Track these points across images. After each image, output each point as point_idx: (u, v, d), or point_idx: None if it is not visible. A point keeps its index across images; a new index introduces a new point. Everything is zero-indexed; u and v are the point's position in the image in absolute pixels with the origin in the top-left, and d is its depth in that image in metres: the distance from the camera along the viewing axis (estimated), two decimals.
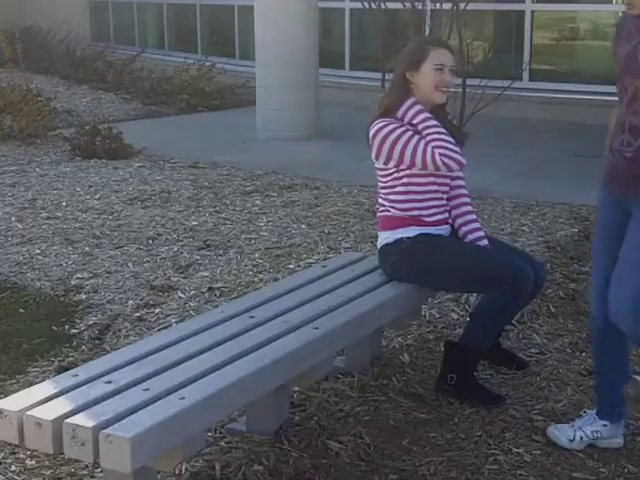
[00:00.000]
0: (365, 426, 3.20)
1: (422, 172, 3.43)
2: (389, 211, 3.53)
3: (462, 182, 3.65)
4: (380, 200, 3.59)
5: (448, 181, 3.54)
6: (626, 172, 2.68)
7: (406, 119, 3.45)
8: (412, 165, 3.41)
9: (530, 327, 4.11)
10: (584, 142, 8.87)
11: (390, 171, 3.47)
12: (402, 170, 3.45)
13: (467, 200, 3.64)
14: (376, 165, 3.53)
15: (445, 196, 3.55)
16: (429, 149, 3.37)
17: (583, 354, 3.83)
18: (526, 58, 10.45)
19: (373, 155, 3.50)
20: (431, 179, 3.47)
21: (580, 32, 11.19)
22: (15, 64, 10.10)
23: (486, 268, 3.37)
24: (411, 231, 3.49)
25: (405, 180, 3.46)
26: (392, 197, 3.50)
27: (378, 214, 3.63)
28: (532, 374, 3.65)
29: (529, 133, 9.13)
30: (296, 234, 5.57)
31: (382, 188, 3.56)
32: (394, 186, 3.48)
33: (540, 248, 5.22)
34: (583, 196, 6.49)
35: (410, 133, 3.41)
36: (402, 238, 3.49)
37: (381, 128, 3.43)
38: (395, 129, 3.42)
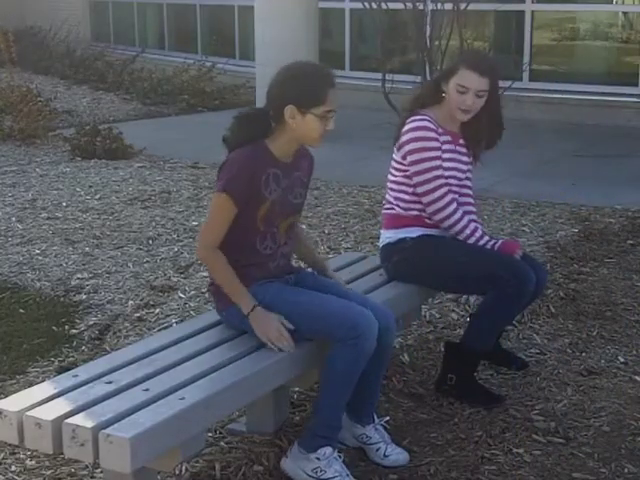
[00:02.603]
0: None
1: None
2: (394, 209, 3.54)
3: (469, 191, 3.66)
4: (387, 196, 3.60)
5: (456, 196, 3.54)
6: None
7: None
8: (419, 192, 3.45)
9: (530, 327, 4.12)
10: (584, 142, 8.88)
11: (404, 167, 3.47)
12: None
13: (472, 209, 3.64)
14: (394, 155, 3.53)
15: None
16: (447, 202, 3.43)
17: (583, 354, 3.84)
18: (526, 58, 10.46)
19: (397, 144, 3.49)
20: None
21: (580, 32, 11.19)
22: (11, 65, 10.08)
23: (487, 269, 3.36)
24: (414, 231, 3.49)
25: (414, 180, 3.46)
26: (399, 195, 3.51)
27: (383, 211, 3.64)
28: (532, 374, 3.65)
29: (529, 133, 9.14)
30: None
31: (391, 182, 3.56)
32: (403, 183, 3.48)
33: (540, 248, 5.22)
34: (583, 196, 6.50)
35: (440, 172, 3.42)
36: (405, 238, 3.50)
37: (419, 134, 3.39)
38: (432, 149, 3.42)
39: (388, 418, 3.16)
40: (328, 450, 2.84)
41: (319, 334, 2.90)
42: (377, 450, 3.02)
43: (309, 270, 3.26)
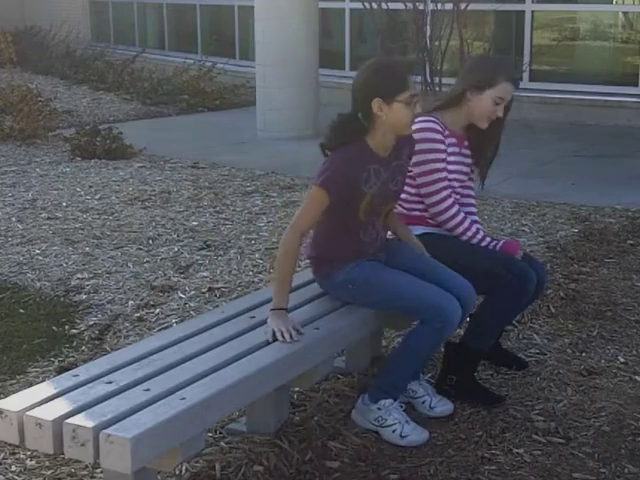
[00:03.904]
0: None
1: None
2: (396, 208, 3.54)
3: (472, 192, 3.67)
4: None
5: (458, 197, 3.55)
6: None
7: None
8: (422, 193, 3.47)
9: (530, 327, 4.12)
10: (584, 142, 8.88)
11: (407, 169, 3.47)
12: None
13: (474, 210, 3.65)
14: None
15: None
16: (450, 204, 3.44)
17: (583, 354, 3.84)
18: (526, 58, 10.46)
19: None
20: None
21: (580, 32, 11.20)
22: (10, 64, 10.10)
23: (488, 268, 3.36)
24: (416, 229, 3.50)
25: (419, 181, 3.46)
26: (401, 195, 3.50)
27: None
28: (532, 374, 3.65)
29: (529, 133, 9.14)
30: None
31: None
32: (407, 183, 3.48)
33: (540, 248, 5.22)
34: (583, 196, 6.50)
35: (444, 174, 3.43)
36: None
37: (425, 136, 3.39)
38: (437, 151, 3.42)
39: (431, 374, 3.44)
40: (388, 401, 3.16)
41: (407, 312, 3.18)
42: (423, 403, 3.32)
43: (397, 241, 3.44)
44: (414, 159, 3.42)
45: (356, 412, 3.25)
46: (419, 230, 3.51)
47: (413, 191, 3.49)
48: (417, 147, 3.40)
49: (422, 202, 3.49)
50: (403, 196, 3.51)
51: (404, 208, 3.53)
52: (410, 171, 3.45)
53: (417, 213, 3.51)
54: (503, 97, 3.42)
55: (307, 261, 3.44)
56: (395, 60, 3.23)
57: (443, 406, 3.33)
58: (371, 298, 3.17)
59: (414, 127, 3.43)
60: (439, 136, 3.41)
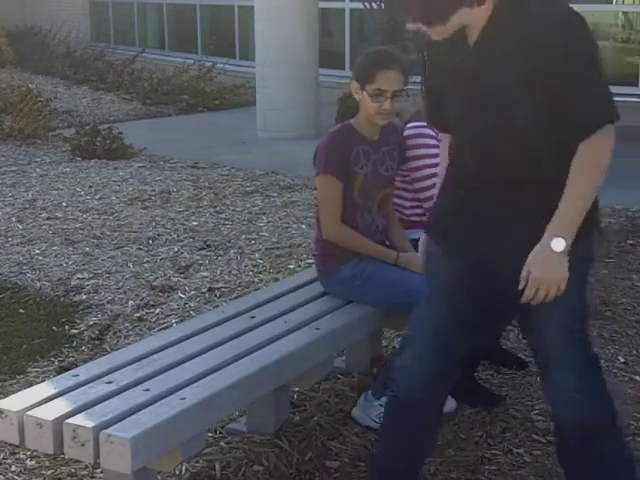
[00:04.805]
0: (365, 426, 3.20)
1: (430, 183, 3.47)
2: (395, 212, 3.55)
3: None
4: None
5: None
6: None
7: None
8: (421, 197, 3.47)
9: None
10: None
11: (403, 172, 3.47)
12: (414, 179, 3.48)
13: None
14: None
15: None
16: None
17: None
18: None
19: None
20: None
21: None
22: (10, 64, 10.11)
23: None
24: (414, 233, 3.49)
25: (416, 186, 3.47)
26: (398, 201, 3.51)
27: None
28: (532, 374, 3.64)
29: None
30: (296, 234, 5.57)
31: None
32: (402, 188, 3.49)
33: None
34: None
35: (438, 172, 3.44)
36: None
37: (420, 142, 3.41)
38: (433, 156, 3.38)
39: None
40: None
41: (411, 309, 2.92)
42: None
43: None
44: (410, 164, 3.42)
45: (358, 409, 3.25)
46: (418, 234, 3.50)
47: (410, 196, 3.50)
48: (412, 153, 3.42)
49: (420, 207, 3.50)
50: (400, 202, 3.52)
51: (403, 214, 3.53)
52: (407, 175, 3.45)
53: (416, 218, 3.51)
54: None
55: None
56: (378, 51, 3.40)
57: (447, 404, 3.32)
58: (376, 293, 3.18)
59: (407, 132, 3.45)
60: (433, 141, 3.42)
